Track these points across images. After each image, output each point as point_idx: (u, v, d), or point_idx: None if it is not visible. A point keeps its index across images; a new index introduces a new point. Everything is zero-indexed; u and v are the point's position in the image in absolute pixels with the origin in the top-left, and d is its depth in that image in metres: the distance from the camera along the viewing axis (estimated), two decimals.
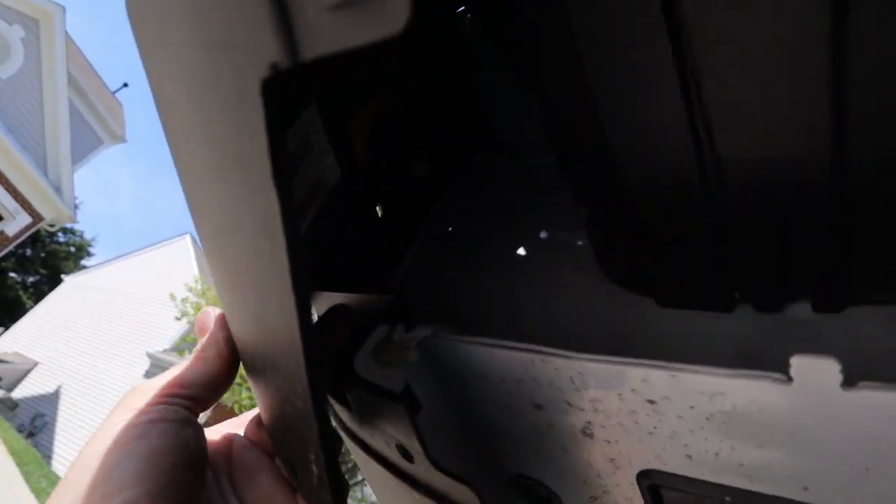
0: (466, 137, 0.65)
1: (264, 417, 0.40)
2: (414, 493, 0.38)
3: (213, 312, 0.41)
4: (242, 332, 0.36)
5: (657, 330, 0.39)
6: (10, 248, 12.28)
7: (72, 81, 12.35)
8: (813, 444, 0.29)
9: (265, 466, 0.39)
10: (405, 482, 0.39)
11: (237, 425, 0.44)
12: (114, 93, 15.54)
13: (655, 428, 0.35)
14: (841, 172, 0.28)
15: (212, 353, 0.39)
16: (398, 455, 0.37)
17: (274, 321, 0.26)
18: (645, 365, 0.32)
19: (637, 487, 0.39)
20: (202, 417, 0.43)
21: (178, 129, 0.29)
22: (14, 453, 7.68)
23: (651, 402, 0.33)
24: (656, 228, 0.38)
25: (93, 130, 13.54)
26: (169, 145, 0.32)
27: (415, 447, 0.34)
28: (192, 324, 11.50)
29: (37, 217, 12.18)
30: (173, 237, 16.62)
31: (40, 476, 7.95)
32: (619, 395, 0.34)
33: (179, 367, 0.39)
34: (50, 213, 12.32)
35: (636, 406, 0.34)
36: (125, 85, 16.54)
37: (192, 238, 16.01)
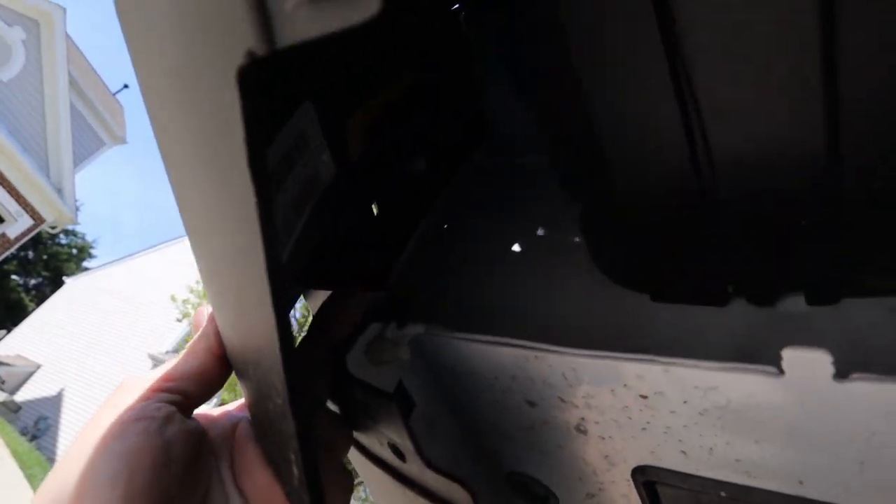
0: (464, 135, 0.64)
1: (250, 414, 0.40)
2: (408, 492, 0.38)
3: (208, 310, 0.41)
4: (227, 328, 0.35)
5: (652, 325, 0.38)
6: (12, 250, 12.29)
7: (72, 83, 12.36)
8: (807, 438, 0.29)
9: (263, 457, 0.38)
10: (399, 481, 0.38)
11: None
12: (114, 94, 15.55)
13: (649, 423, 0.34)
14: (834, 166, 0.28)
15: (201, 347, 0.38)
16: (391, 454, 0.37)
17: (253, 316, 0.25)
18: (638, 360, 0.32)
19: (632, 484, 0.39)
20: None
21: (162, 122, 0.29)
22: (17, 456, 7.69)
23: (644, 397, 0.33)
24: (649, 224, 0.38)
25: (94, 132, 13.56)
26: (155, 136, 0.32)
27: (407, 446, 0.34)
28: (192, 325, 11.52)
29: (38, 219, 12.19)
30: (174, 238, 16.64)
31: (44, 478, 7.96)
32: (612, 390, 0.34)
33: (170, 362, 0.39)
34: (51, 215, 12.33)
35: (629, 402, 0.34)
36: (125, 86, 16.55)
37: None
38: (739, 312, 0.36)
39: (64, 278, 19.83)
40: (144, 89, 0.30)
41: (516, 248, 0.49)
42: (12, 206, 11.72)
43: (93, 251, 27.34)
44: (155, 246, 17.07)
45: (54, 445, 12.68)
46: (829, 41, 0.24)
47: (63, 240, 25.76)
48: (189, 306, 10.37)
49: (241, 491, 0.37)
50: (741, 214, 0.34)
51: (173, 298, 10.58)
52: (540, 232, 0.50)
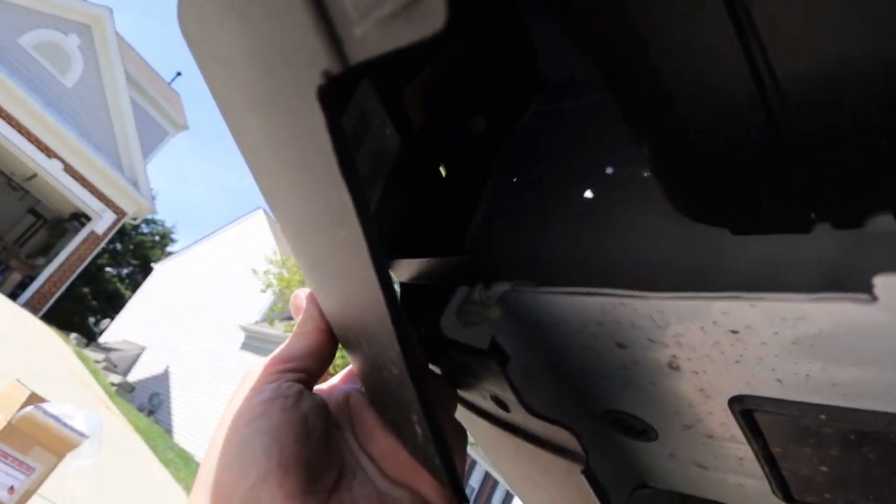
0: (518, 86, 0.64)
1: (363, 384, 0.42)
2: (515, 439, 0.40)
3: (303, 293, 0.44)
4: (332, 310, 0.38)
5: (734, 259, 0.39)
6: (102, 245, 13.07)
7: (130, 79, 12.79)
8: None
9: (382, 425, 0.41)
10: (505, 430, 0.41)
11: (352, 373, 0.46)
12: (169, 83, 16.00)
13: (741, 356, 0.35)
14: None
15: (310, 327, 0.41)
16: (495, 406, 0.39)
17: (361, 299, 0.28)
18: (723, 297, 0.32)
19: (730, 413, 0.40)
20: None
21: (247, 137, 0.31)
22: (140, 431, 8.37)
23: (734, 332, 0.34)
24: (722, 157, 0.38)
25: (156, 123, 14.05)
26: (241, 152, 0.35)
27: (509, 397, 0.36)
28: (276, 294, 12.01)
29: (120, 213, 12.88)
30: (247, 213, 17.21)
31: (166, 448, 8.66)
32: (701, 328, 0.35)
33: (282, 345, 0.42)
34: (131, 207, 12.99)
35: (719, 337, 0.35)
36: (179, 74, 16.98)
37: (265, 211, 16.52)
38: (825, 238, 0.35)
39: (152, 264, 21.01)
40: (227, 114, 0.32)
41: (588, 194, 0.50)
42: (95, 204, 12.40)
43: (174, 236, 28.73)
44: (229, 223, 17.73)
45: (169, 418, 13.69)
46: None
47: (145, 229, 27.16)
48: (270, 276, 10.80)
49: (367, 455, 0.40)
50: (817, 137, 0.33)
51: (254, 271, 11.04)
52: (609, 170, 0.50)
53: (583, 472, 0.36)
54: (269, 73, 0.23)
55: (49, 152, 11.50)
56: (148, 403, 14.00)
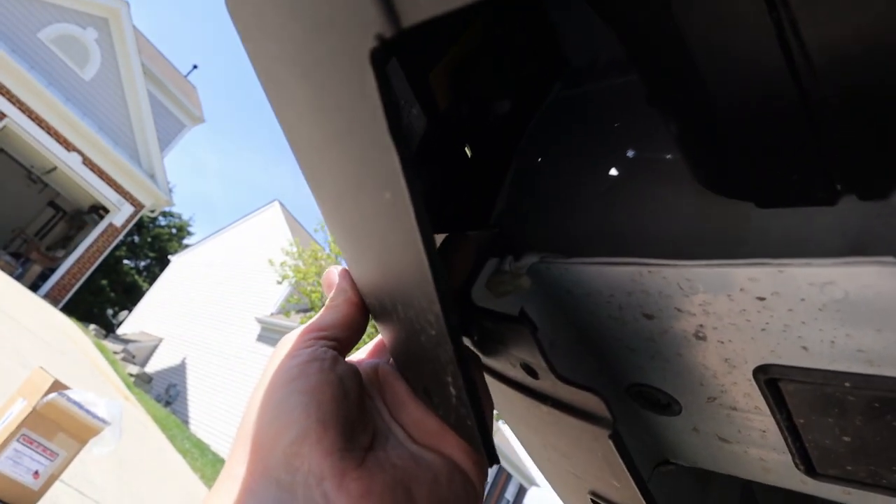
0: (541, 70, 0.65)
1: (394, 353, 0.44)
2: (542, 407, 0.41)
3: (336, 269, 0.45)
4: (367, 279, 0.39)
5: (760, 232, 0.39)
6: (120, 237, 13.22)
7: (147, 72, 12.89)
8: None
9: (411, 395, 0.42)
10: (532, 398, 0.42)
11: (378, 348, 0.48)
12: (186, 76, 16.10)
13: (767, 324, 0.36)
14: None
15: (341, 300, 0.43)
16: (523, 374, 0.40)
17: (401, 261, 0.29)
18: (751, 264, 0.33)
19: (754, 383, 0.41)
20: None
21: (289, 105, 0.32)
22: (157, 421, 8.49)
23: (761, 298, 0.34)
24: (750, 131, 0.38)
25: (173, 116, 14.16)
26: (279, 121, 0.36)
27: (539, 364, 0.37)
28: (292, 286, 12.09)
29: (138, 205, 13.01)
30: (263, 206, 17.32)
31: (183, 439, 8.77)
32: (729, 295, 0.35)
33: (315, 317, 0.43)
34: (149, 199, 13.12)
35: (746, 304, 0.35)
36: (195, 67, 17.07)
37: (281, 204, 16.62)
38: (850, 209, 0.36)
39: (169, 257, 21.22)
40: (266, 78, 0.33)
41: (613, 171, 0.50)
42: (113, 196, 12.54)
43: (190, 228, 28.98)
44: (246, 215, 17.84)
45: (185, 409, 13.85)
46: None
47: (162, 221, 27.41)
48: (286, 268, 10.87)
49: (397, 422, 0.41)
50: (843, 109, 0.34)
51: (270, 262, 11.12)
52: (630, 153, 0.51)
53: (610, 436, 0.37)
54: (319, 38, 0.24)
55: (68, 145, 11.64)
56: (165, 394, 14.17)
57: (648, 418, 0.53)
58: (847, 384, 0.36)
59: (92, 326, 13.57)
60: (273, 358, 0.41)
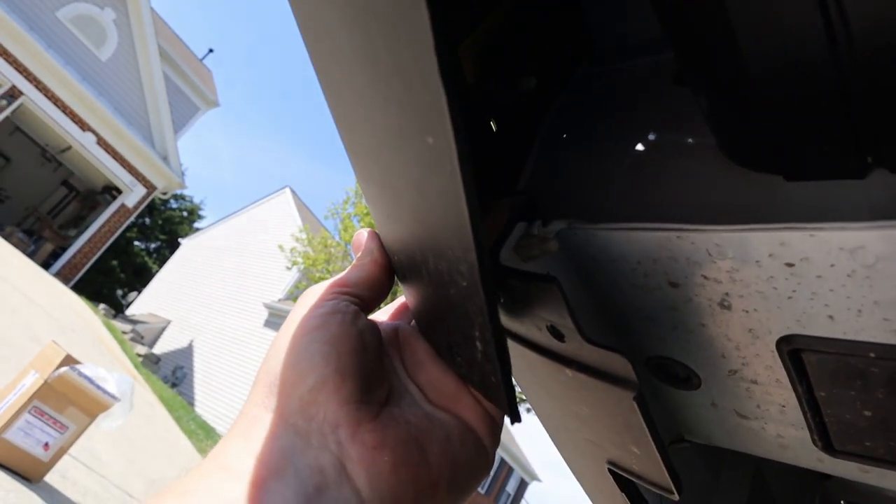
0: (569, 48, 0.65)
1: (418, 312, 0.44)
2: (566, 371, 0.42)
3: (365, 231, 0.46)
4: (397, 233, 0.39)
5: (788, 205, 0.39)
6: (132, 218, 13.31)
7: (163, 54, 12.93)
8: None
9: (432, 352, 0.43)
10: (557, 361, 0.42)
11: (400, 310, 0.49)
12: (201, 60, 16.13)
13: (794, 291, 0.36)
14: None
15: (367, 260, 0.43)
16: (548, 337, 0.41)
17: (437, 209, 0.29)
18: (782, 228, 0.33)
19: (777, 355, 0.41)
20: None
21: (330, 50, 0.32)
22: (164, 401, 8.57)
23: (790, 265, 0.35)
24: (781, 103, 0.39)
25: (188, 99, 14.20)
26: (317, 70, 0.36)
27: (567, 324, 0.38)
28: (301, 272, 12.14)
29: (150, 187, 13.08)
30: (274, 192, 17.36)
31: (189, 419, 8.85)
32: (758, 261, 0.36)
33: (341, 274, 0.44)
34: (161, 182, 13.19)
35: (774, 271, 0.36)
36: (210, 51, 17.11)
37: (292, 190, 16.65)
38: (881, 182, 0.36)
39: (179, 240, 21.35)
40: (307, 24, 0.33)
41: (640, 147, 0.51)
42: (126, 177, 12.61)
43: (201, 212, 29.08)
44: (257, 201, 17.90)
45: (191, 391, 13.97)
46: None
47: (174, 204, 27.54)
48: (296, 254, 10.91)
49: (414, 382, 0.42)
50: (877, 81, 0.34)
51: (281, 248, 11.18)
52: (651, 136, 0.51)
53: (634, 398, 0.38)
54: None
55: (83, 125, 11.71)
56: (172, 376, 14.29)
57: (666, 393, 0.53)
58: (872, 355, 0.37)
59: (101, 306, 13.68)
60: (298, 307, 0.41)
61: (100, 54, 11.91)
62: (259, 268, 15.36)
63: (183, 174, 13.53)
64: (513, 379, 0.50)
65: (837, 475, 0.49)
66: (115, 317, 14.79)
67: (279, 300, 13.69)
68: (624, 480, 0.57)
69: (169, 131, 12.84)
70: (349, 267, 0.44)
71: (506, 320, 0.45)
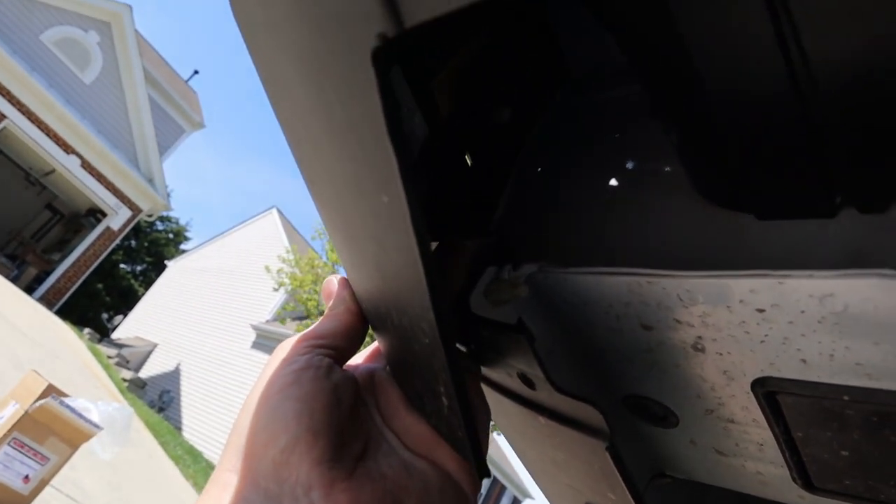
0: (544, 77, 0.65)
1: (389, 360, 0.44)
2: (539, 419, 0.41)
3: (336, 279, 0.45)
4: (363, 284, 0.39)
5: (760, 244, 0.39)
6: (117, 241, 13.20)
7: (148, 76, 12.92)
8: None
9: (405, 402, 0.42)
10: (530, 409, 0.41)
11: (376, 352, 0.47)
12: (186, 81, 16.13)
13: (766, 336, 0.36)
14: None
15: (340, 309, 0.42)
16: (520, 384, 0.40)
17: (396, 266, 0.28)
18: (752, 275, 0.33)
19: (752, 396, 0.41)
20: None
21: (290, 103, 0.32)
22: (150, 427, 8.44)
23: (760, 311, 0.34)
24: (750, 141, 0.38)
25: (173, 120, 14.18)
26: (279, 119, 0.36)
27: (536, 374, 0.37)
28: (289, 293, 12.07)
29: (136, 209, 13.00)
30: (261, 212, 17.31)
31: (175, 445, 8.72)
32: (728, 307, 0.35)
33: (314, 325, 0.43)
34: (147, 204, 13.11)
35: (746, 316, 0.35)
36: (196, 72, 17.12)
37: (279, 211, 16.62)
38: (850, 222, 0.36)
39: (166, 262, 21.20)
40: (267, 77, 0.33)
41: (613, 182, 0.50)
42: (111, 199, 12.52)
43: (188, 234, 28.91)
44: (244, 221, 17.83)
45: (179, 415, 13.78)
46: None
47: (160, 226, 27.36)
48: (283, 275, 10.86)
49: (391, 429, 0.41)
50: (844, 122, 0.34)
51: (267, 269, 11.12)
52: (629, 165, 0.51)
53: (607, 449, 0.37)
54: (321, 36, 0.23)
55: (67, 148, 11.64)
56: (158, 400, 14.10)
57: (645, 430, 0.52)
58: (846, 398, 0.36)
59: (86, 330, 13.51)
60: (269, 363, 0.40)
61: (84, 77, 11.87)
62: (246, 289, 15.26)
63: (168, 196, 13.46)
64: (492, 422, 0.49)
65: None
66: (100, 341, 14.60)
67: (267, 321, 13.59)
68: None
69: (154, 153, 12.78)
70: (322, 317, 0.44)
71: (480, 365, 0.44)
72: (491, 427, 0.50)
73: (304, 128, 0.32)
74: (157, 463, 7.04)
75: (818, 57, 0.32)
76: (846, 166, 0.36)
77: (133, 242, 26.05)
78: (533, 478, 0.66)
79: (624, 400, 0.49)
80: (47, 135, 11.35)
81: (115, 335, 18.71)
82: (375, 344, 0.49)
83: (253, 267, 14.92)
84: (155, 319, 17.89)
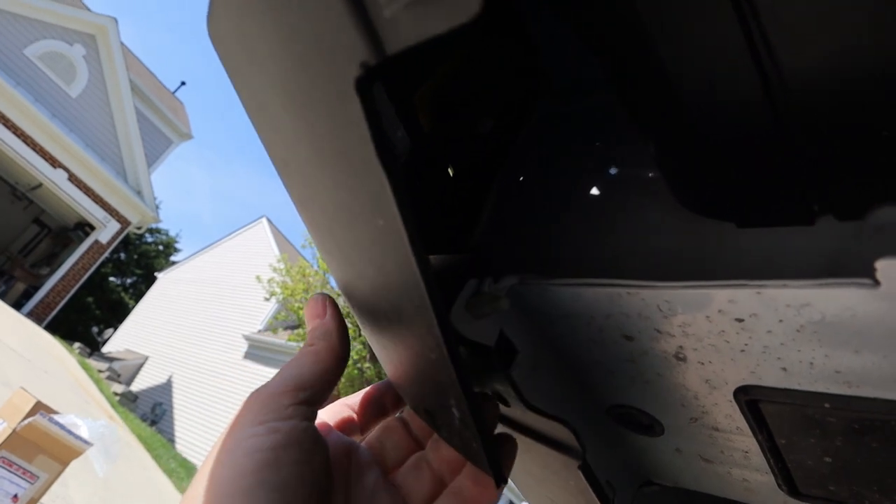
0: (524, 88, 0.65)
1: (394, 377, 0.41)
2: (513, 433, 0.41)
3: (322, 300, 0.41)
4: (363, 305, 0.38)
5: (739, 252, 0.39)
6: (106, 254, 13.10)
7: (134, 88, 12.86)
8: None
9: (384, 482, 0.39)
10: (505, 424, 0.41)
11: (346, 421, 0.43)
12: (173, 93, 16.08)
13: (746, 345, 0.36)
14: None
15: (323, 347, 0.38)
16: (496, 400, 0.40)
17: (398, 289, 0.28)
18: (729, 286, 0.33)
19: (735, 404, 0.41)
20: None
21: (278, 135, 0.32)
22: (143, 440, 8.36)
23: (739, 320, 0.34)
24: (727, 152, 0.39)
25: (160, 132, 14.12)
26: (268, 151, 0.35)
27: (509, 392, 0.37)
28: (280, 303, 12.01)
29: (124, 222, 12.91)
30: (251, 222, 17.25)
31: (169, 458, 8.64)
32: (707, 317, 0.35)
33: (293, 365, 0.38)
34: (135, 216, 13.03)
35: (725, 326, 0.35)
36: (183, 83, 17.07)
37: (268, 220, 16.57)
38: (827, 229, 0.36)
39: (156, 274, 21.05)
40: (253, 108, 0.32)
41: (594, 191, 0.50)
42: (99, 213, 12.44)
43: (177, 245, 28.76)
44: (233, 231, 17.75)
45: (171, 427, 13.67)
46: None
47: (149, 238, 27.19)
48: (274, 284, 10.80)
49: None
50: (820, 130, 0.34)
51: (258, 279, 11.06)
52: (612, 171, 0.51)
53: (579, 467, 0.37)
54: (304, 67, 0.23)
55: (54, 162, 11.55)
56: (151, 413, 13.98)
57: (631, 439, 0.52)
58: (827, 405, 0.36)
59: (76, 345, 13.38)
60: (242, 416, 0.35)
61: (70, 90, 11.80)
62: (237, 299, 15.18)
63: (157, 208, 13.38)
64: None
65: None
66: (90, 355, 14.46)
67: (259, 331, 13.52)
68: None
69: (142, 165, 12.72)
70: (304, 353, 0.39)
71: None
72: None
73: (292, 157, 0.32)
74: (150, 477, 6.97)
75: (790, 66, 0.32)
76: (822, 174, 0.36)
77: (122, 255, 25.87)
78: (518, 489, 0.66)
79: (609, 409, 0.49)
80: (33, 149, 11.27)
81: (105, 349, 18.55)
82: (344, 412, 0.44)
83: (243, 277, 14.85)
84: (146, 332, 17.76)
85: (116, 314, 23.47)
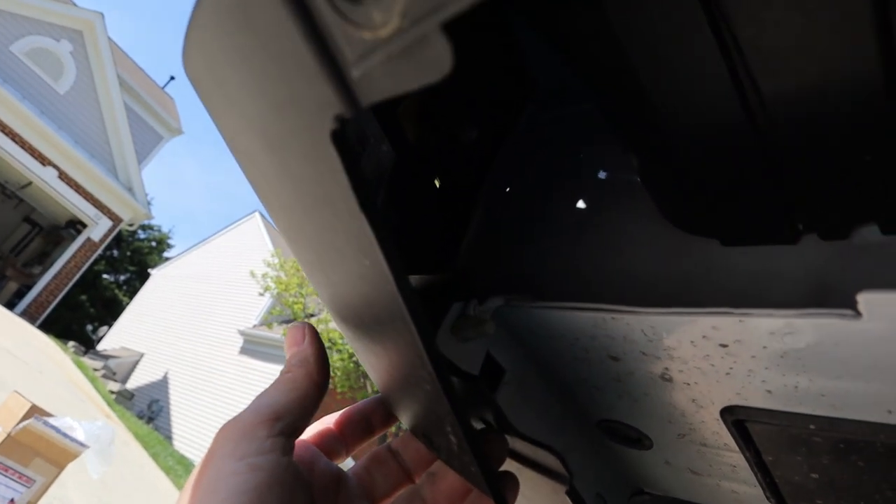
0: (510, 95, 0.65)
1: (392, 402, 0.41)
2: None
3: (302, 328, 0.40)
4: (352, 333, 0.38)
5: (724, 270, 0.39)
6: (99, 251, 13.03)
7: (123, 84, 12.76)
8: (893, 371, 0.30)
9: None
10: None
11: (330, 424, 0.43)
12: (163, 87, 15.96)
13: (731, 368, 0.36)
14: (892, 98, 0.28)
15: (300, 373, 0.37)
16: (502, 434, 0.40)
17: (388, 323, 0.28)
18: (712, 313, 0.33)
19: (722, 422, 0.41)
20: None
21: (261, 177, 0.32)
22: (140, 438, 8.36)
23: (723, 346, 0.34)
24: (709, 171, 0.38)
25: (151, 128, 14.02)
26: (255, 191, 0.35)
27: (497, 419, 0.37)
28: (274, 297, 12.00)
29: (116, 219, 12.84)
30: (243, 217, 17.18)
31: (166, 455, 8.65)
32: (692, 342, 0.35)
33: (268, 393, 0.37)
34: (127, 213, 12.96)
35: (710, 350, 0.35)
36: (172, 78, 16.95)
37: (262, 215, 16.51)
38: (812, 249, 0.36)
39: (149, 270, 20.97)
40: (236, 150, 0.32)
41: (581, 204, 0.50)
42: (91, 210, 12.36)
43: (170, 241, 28.62)
44: (226, 227, 17.69)
45: (168, 424, 13.67)
46: None
47: (141, 235, 27.08)
48: (268, 279, 10.78)
49: None
50: (803, 150, 0.34)
51: (252, 274, 11.04)
52: (602, 175, 0.51)
53: (567, 492, 0.37)
54: (280, 118, 0.23)
55: (43, 160, 11.47)
56: (147, 410, 13.97)
57: (621, 451, 0.52)
58: (812, 426, 0.36)
59: (71, 343, 13.34)
60: (224, 449, 0.34)
61: (58, 87, 11.70)
62: (232, 294, 15.15)
63: (149, 204, 13.32)
64: None
65: None
66: (85, 353, 14.43)
67: (254, 326, 13.51)
68: None
69: (132, 161, 12.64)
70: (281, 380, 0.37)
71: None
72: None
73: (276, 198, 0.31)
74: (148, 474, 6.98)
75: (770, 92, 0.32)
76: (805, 193, 0.36)
77: (115, 252, 25.77)
78: None
79: (598, 424, 0.49)
80: (22, 147, 11.17)
81: (100, 347, 18.51)
82: (328, 431, 0.43)
83: (238, 272, 14.82)
84: (140, 329, 17.73)
85: (111, 311, 23.42)
